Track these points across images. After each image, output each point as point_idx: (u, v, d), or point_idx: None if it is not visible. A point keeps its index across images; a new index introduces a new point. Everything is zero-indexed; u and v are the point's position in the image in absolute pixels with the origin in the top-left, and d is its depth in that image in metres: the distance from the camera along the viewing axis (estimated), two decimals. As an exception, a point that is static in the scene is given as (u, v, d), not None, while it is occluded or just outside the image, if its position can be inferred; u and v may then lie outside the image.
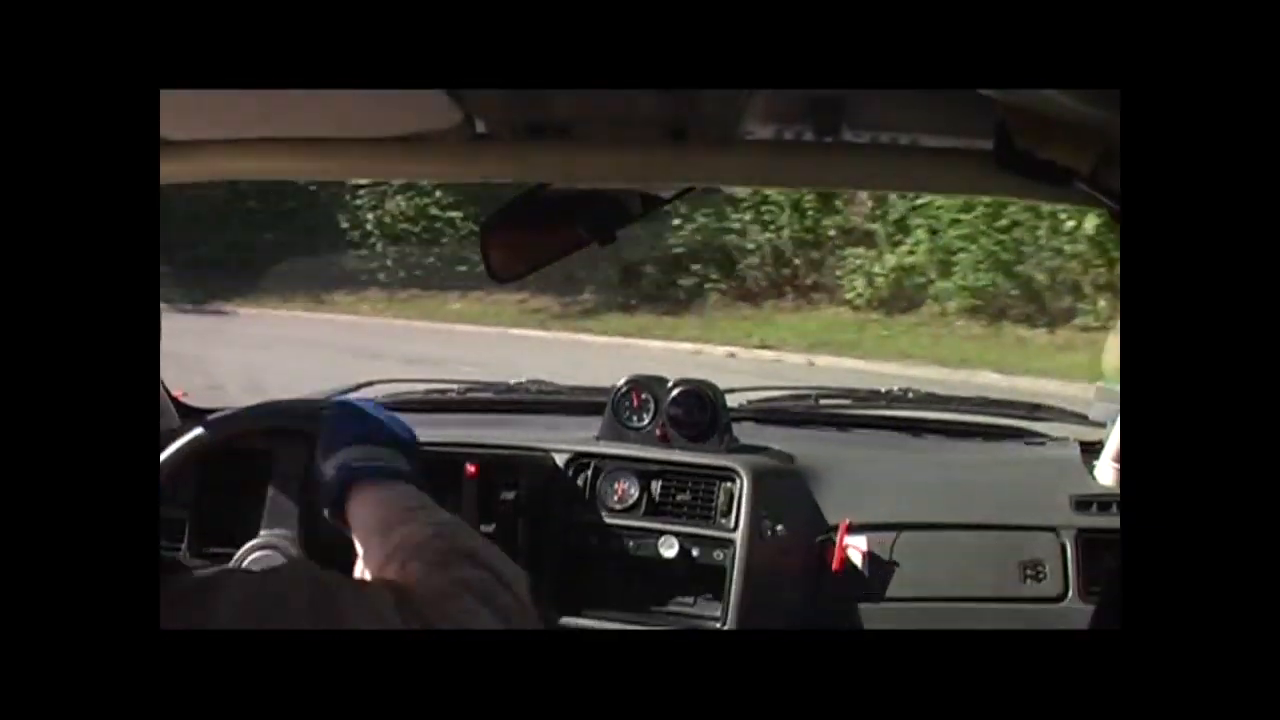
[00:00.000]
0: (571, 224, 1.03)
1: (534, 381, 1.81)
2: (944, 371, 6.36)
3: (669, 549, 1.39)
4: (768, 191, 7.58)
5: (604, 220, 1.02)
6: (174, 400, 1.59)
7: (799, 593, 1.41)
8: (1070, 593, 1.38)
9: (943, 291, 7.72)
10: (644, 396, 1.51)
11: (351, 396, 1.49)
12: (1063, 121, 0.68)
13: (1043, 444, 1.63)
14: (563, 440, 1.49)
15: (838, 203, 8.26)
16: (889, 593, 1.40)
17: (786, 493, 1.45)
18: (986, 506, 1.45)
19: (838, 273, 8.31)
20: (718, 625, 1.37)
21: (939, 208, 7.55)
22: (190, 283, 8.63)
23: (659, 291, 8.82)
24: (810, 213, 8.39)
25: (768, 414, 1.70)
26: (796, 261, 8.55)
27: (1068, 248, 7.16)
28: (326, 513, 0.85)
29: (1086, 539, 1.40)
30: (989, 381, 6.08)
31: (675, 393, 1.50)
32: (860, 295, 8.06)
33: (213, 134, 0.91)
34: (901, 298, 7.96)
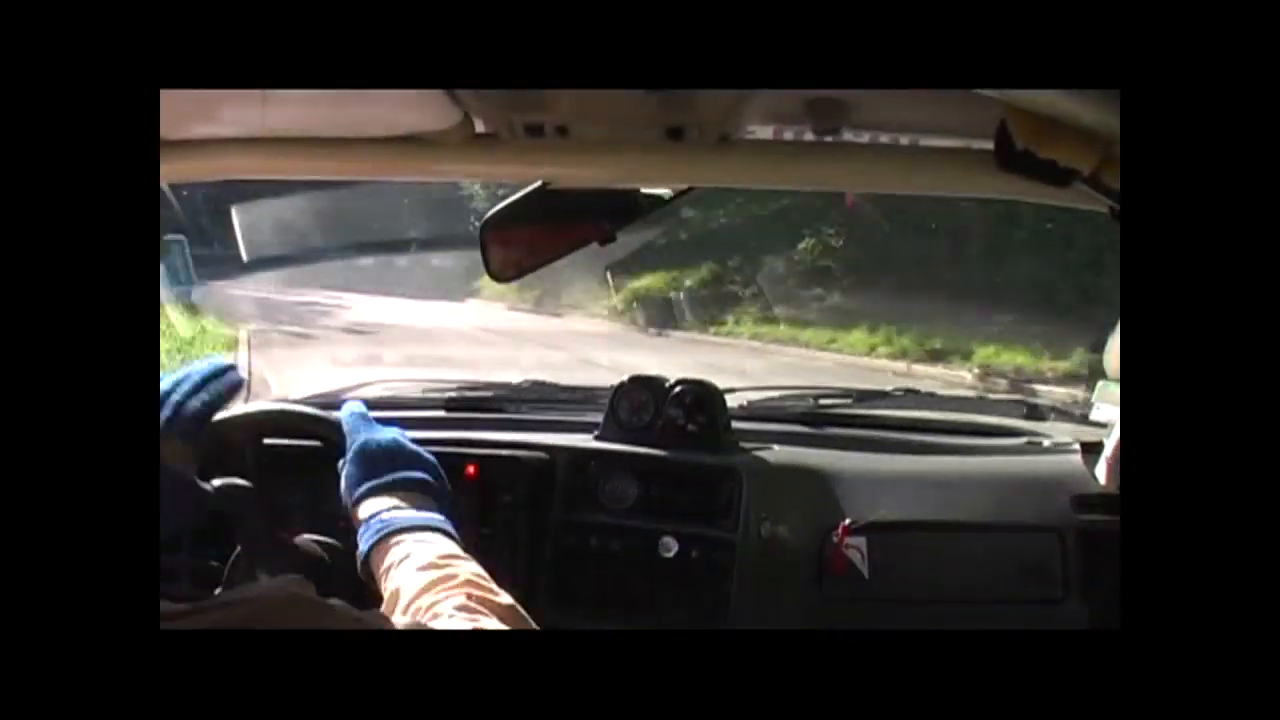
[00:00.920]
0: (571, 223, 1.03)
1: (534, 382, 1.81)
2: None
3: (668, 549, 1.39)
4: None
5: (604, 220, 1.03)
6: None
7: (798, 593, 1.40)
8: (1070, 593, 1.38)
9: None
10: (643, 396, 1.51)
11: (351, 396, 1.48)
12: (1063, 122, 0.68)
13: (1043, 444, 1.63)
14: (562, 440, 1.49)
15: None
16: (889, 593, 1.39)
17: (786, 493, 1.44)
18: (986, 507, 1.44)
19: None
20: (717, 626, 1.36)
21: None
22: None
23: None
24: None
25: (768, 414, 1.70)
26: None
27: None
28: (359, 566, 0.89)
29: (1087, 539, 1.39)
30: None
31: (675, 392, 1.49)
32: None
33: (213, 134, 0.91)
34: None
